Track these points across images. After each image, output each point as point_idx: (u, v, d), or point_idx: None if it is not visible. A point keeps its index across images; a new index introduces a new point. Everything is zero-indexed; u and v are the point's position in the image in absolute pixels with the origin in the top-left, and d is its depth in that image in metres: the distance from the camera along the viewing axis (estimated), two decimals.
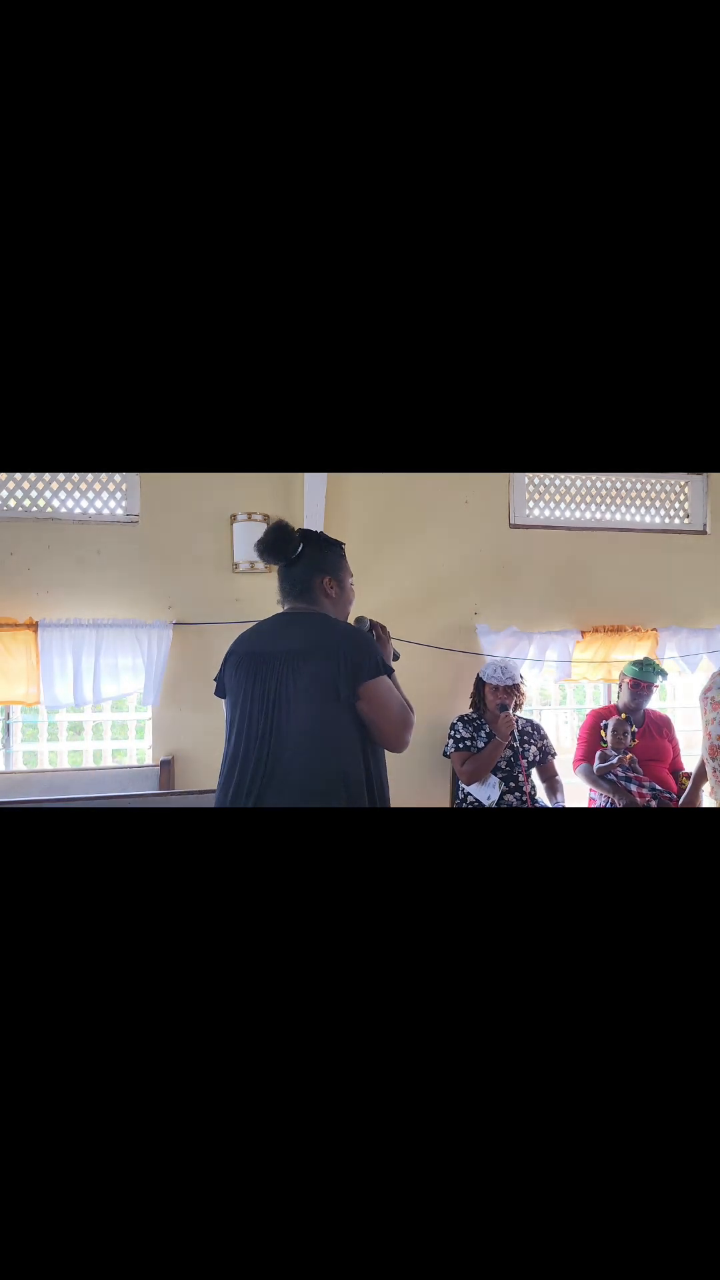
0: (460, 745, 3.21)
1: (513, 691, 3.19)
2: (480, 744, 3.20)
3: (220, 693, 1.82)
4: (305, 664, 1.64)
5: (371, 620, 1.85)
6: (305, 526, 3.14)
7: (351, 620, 1.84)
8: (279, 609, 1.83)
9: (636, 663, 3.43)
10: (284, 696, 1.65)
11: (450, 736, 3.26)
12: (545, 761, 3.33)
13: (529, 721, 3.37)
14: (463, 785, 3.22)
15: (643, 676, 3.39)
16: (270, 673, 1.67)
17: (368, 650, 1.67)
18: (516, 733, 3.19)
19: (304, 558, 1.77)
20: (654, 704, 3.55)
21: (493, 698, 3.21)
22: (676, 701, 4.11)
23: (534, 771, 3.31)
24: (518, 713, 3.22)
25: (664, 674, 3.45)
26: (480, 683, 3.30)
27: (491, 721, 3.19)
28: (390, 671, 1.71)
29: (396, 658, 1.89)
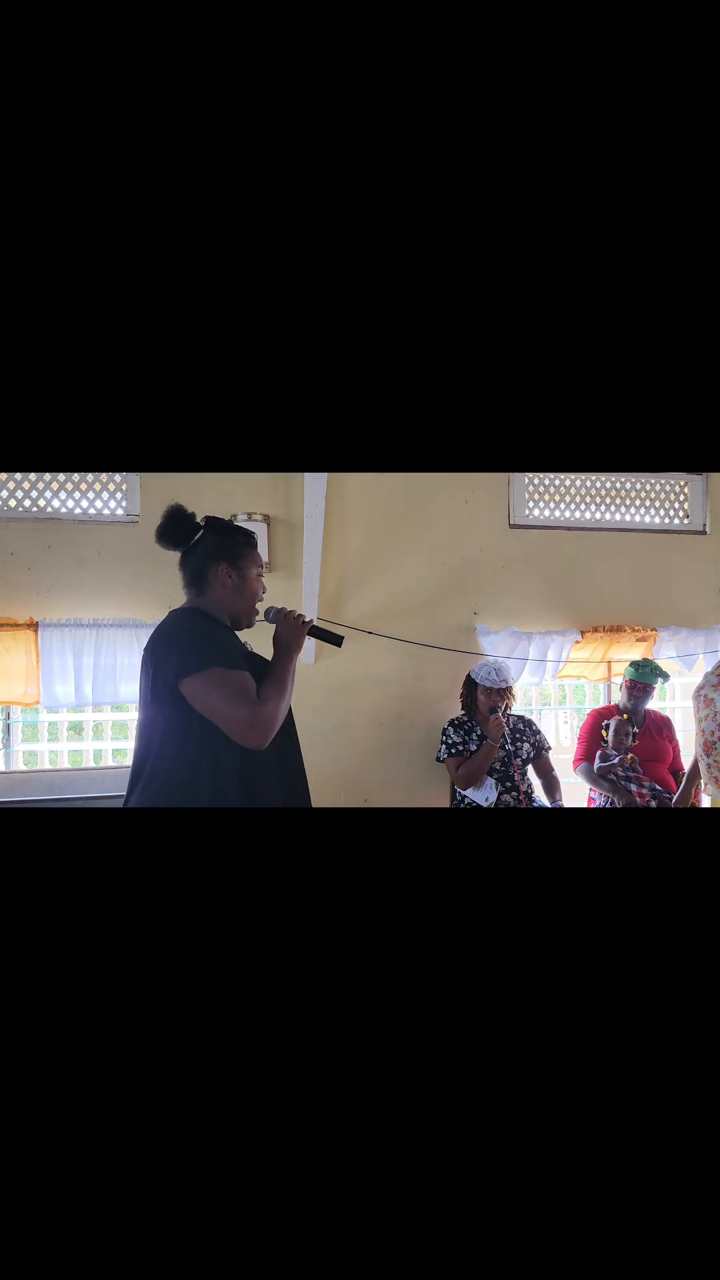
0: (453, 750, 3.20)
1: (504, 694, 3.17)
2: (473, 747, 3.19)
3: None
4: (144, 666, 1.65)
5: (279, 609, 1.74)
6: (306, 527, 3.17)
7: (260, 612, 1.77)
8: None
9: (634, 664, 3.42)
10: (143, 698, 1.66)
11: (442, 742, 3.24)
12: (540, 757, 3.31)
13: (520, 718, 3.35)
14: (459, 789, 3.21)
15: (640, 678, 3.38)
16: (141, 674, 1.68)
17: (177, 650, 1.58)
18: (508, 733, 3.18)
19: (202, 544, 1.70)
20: (654, 704, 3.55)
21: (484, 699, 3.19)
22: (676, 701, 4.11)
23: (530, 769, 3.30)
24: (508, 713, 3.21)
25: (664, 676, 3.44)
26: (471, 683, 3.27)
27: (483, 723, 3.18)
28: (215, 667, 1.56)
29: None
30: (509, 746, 3.18)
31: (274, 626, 1.74)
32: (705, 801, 3.04)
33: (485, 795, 3.13)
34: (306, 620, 1.74)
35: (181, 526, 1.71)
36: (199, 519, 1.73)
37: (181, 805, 1.55)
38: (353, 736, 3.49)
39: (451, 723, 3.27)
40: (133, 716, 3.78)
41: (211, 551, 1.70)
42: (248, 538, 1.76)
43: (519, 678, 3.43)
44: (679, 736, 3.57)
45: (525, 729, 3.31)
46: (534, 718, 3.51)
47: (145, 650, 1.65)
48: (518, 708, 3.36)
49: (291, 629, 1.71)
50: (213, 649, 1.58)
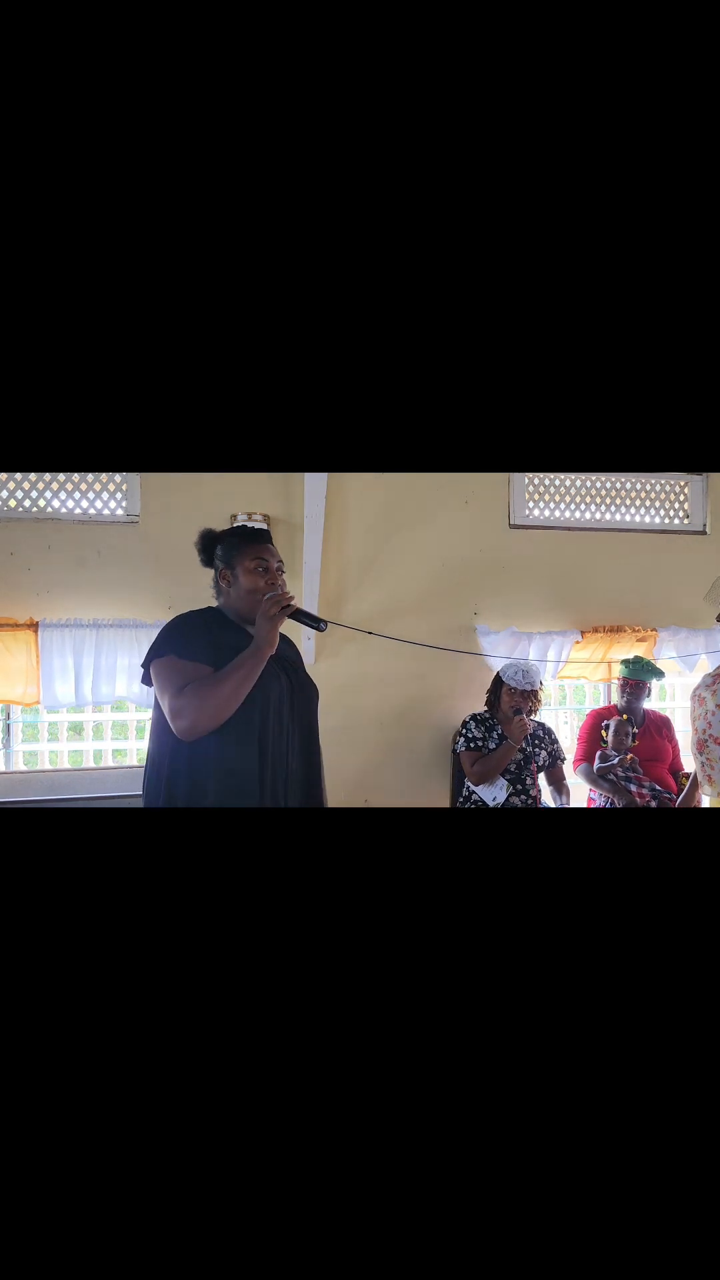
0: (471, 745, 3.18)
1: (530, 697, 3.15)
2: (492, 745, 3.17)
3: None
4: None
5: (271, 593, 1.69)
6: (306, 527, 3.17)
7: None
8: None
9: (627, 661, 3.43)
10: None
11: (461, 734, 3.23)
12: (554, 766, 3.30)
13: (540, 724, 3.32)
14: (469, 784, 3.20)
15: (632, 675, 3.39)
16: None
17: (156, 640, 1.67)
18: (528, 737, 3.17)
19: (215, 556, 1.80)
20: (653, 704, 3.55)
21: (509, 700, 3.15)
22: (676, 701, 4.11)
23: (542, 775, 3.29)
24: (531, 717, 3.20)
25: (658, 673, 3.44)
26: (499, 682, 3.24)
27: (505, 723, 3.16)
28: (167, 656, 1.62)
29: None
30: (527, 750, 3.17)
31: (295, 621, 1.74)
32: (705, 801, 3.04)
33: (494, 795, 3.12)
34: (283, 608, 1.65)
35: (205, 547, 1.81)
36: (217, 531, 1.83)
37: (154, 794, 1.64)
38: (353, 737, 3.49)
39: (474, 717, 3.25)
40: (133, 716, 3.79)
41: (217, 561, 1.79)
42: (243, 537, 1.79)
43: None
44: (679, 736, 3.57)
45: (545, 736, 3.30)
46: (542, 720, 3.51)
47: None
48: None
49: (264, 620, 1.63)
50: (180, 640, 1.64)
